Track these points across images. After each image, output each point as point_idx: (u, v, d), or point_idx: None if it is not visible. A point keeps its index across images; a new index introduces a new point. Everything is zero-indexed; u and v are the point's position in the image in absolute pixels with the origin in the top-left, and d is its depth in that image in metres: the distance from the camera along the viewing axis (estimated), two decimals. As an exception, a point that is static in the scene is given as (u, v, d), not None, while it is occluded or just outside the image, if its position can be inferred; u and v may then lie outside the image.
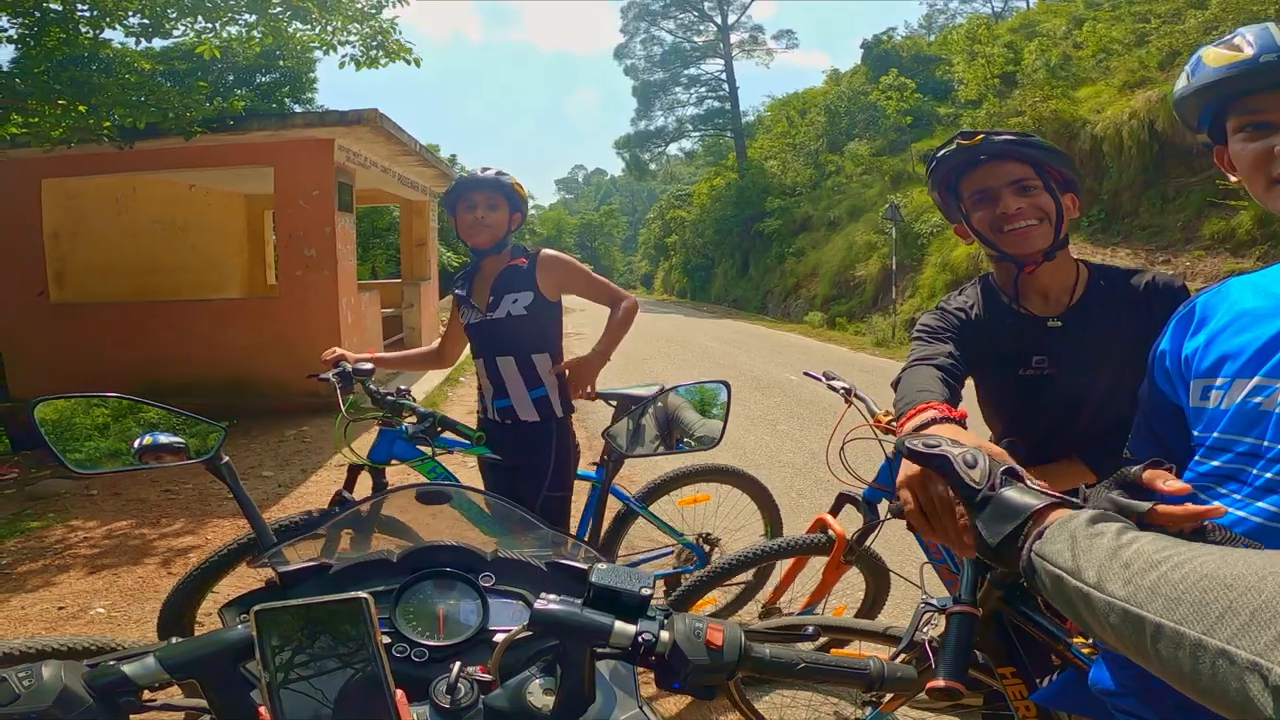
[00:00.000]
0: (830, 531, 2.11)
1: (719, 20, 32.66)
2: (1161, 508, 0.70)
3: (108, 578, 3.56)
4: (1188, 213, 10.42)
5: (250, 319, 7.64)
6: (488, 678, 0.79)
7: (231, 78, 15.33)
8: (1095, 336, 1.47)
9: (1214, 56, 0.92)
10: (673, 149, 36.34)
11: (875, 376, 8.28)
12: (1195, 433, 0.92)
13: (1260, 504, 0.82)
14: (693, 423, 2.12)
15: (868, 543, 2.12)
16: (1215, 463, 0.89)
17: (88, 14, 5.47)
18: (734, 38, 32.82)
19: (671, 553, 2.83)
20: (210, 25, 5.85)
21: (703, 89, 33.72)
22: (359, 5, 5.96)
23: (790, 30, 35.84)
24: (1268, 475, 0.83)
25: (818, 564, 2.20)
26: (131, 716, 0.70)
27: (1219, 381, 0.90)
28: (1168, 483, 0.75)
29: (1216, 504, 0.77)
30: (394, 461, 2.40)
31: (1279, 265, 0.91)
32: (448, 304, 12.41)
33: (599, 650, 0.74)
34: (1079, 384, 1.49)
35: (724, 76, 32.75)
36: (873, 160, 20.06)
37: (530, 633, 0.81)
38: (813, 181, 22.84)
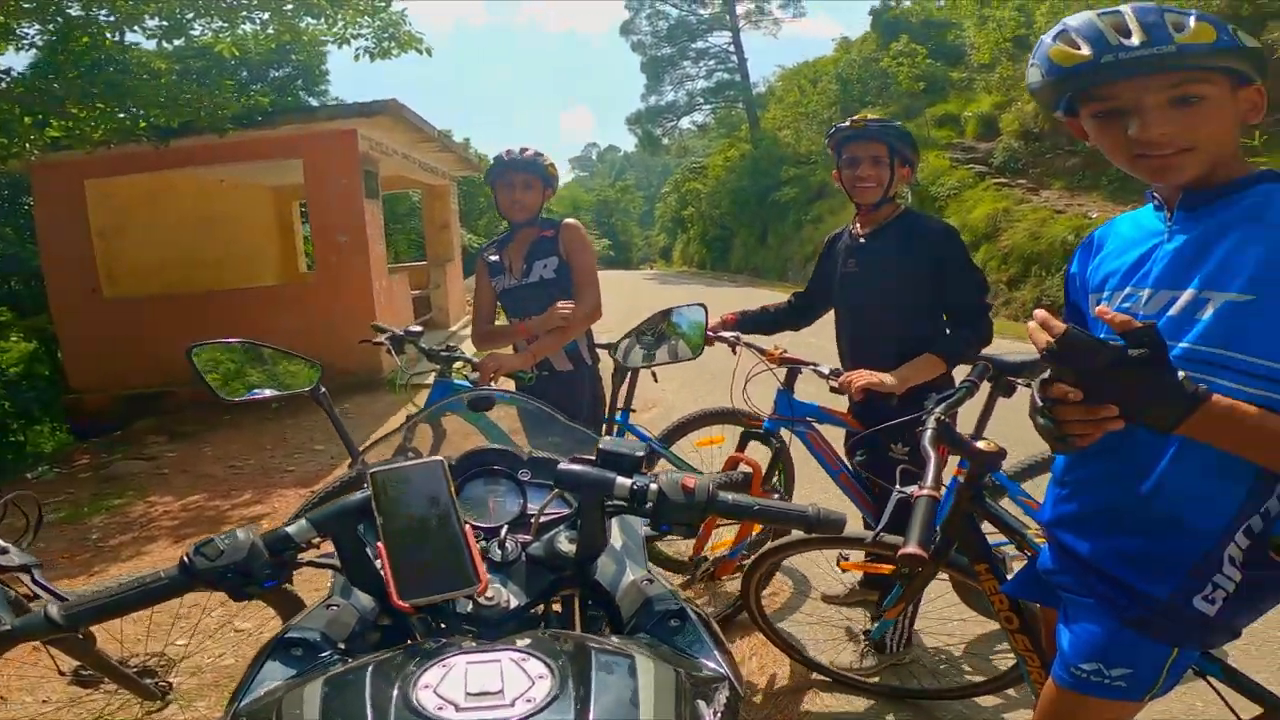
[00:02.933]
0: (745, 467, 2.29)
1: (724, -8, 32.13)
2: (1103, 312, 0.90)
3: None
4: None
5: (290, 304, 7.98)
6: (529, 538, 1.01)
7: (245, 74, 15.46)
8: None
9: (1058, 54, 0.98)
10: (685, 123, 35.82)
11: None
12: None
13: None
14: (676, 343, 2.37)
15: (777, 471, 2.32)
16: None
17: (109, 19, 5.66)
18: (740, 8, 32.04)
19: None
20: (226, 24, 6.04)
21: (711, 61, 33.10)
22: None
23: (797, -1, 34.86)
24: None
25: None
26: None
27: (1105, 294, 1.14)
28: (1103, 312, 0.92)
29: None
30: None
31: (1150, 205, 1.13)
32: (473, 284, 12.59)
33: (608, 502, 0.93)
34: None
35: (732, 48, 32.29)
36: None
37: (556, 509, 1.03)
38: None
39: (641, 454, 0.97)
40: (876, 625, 2.18)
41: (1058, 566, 1.21)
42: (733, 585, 2.73)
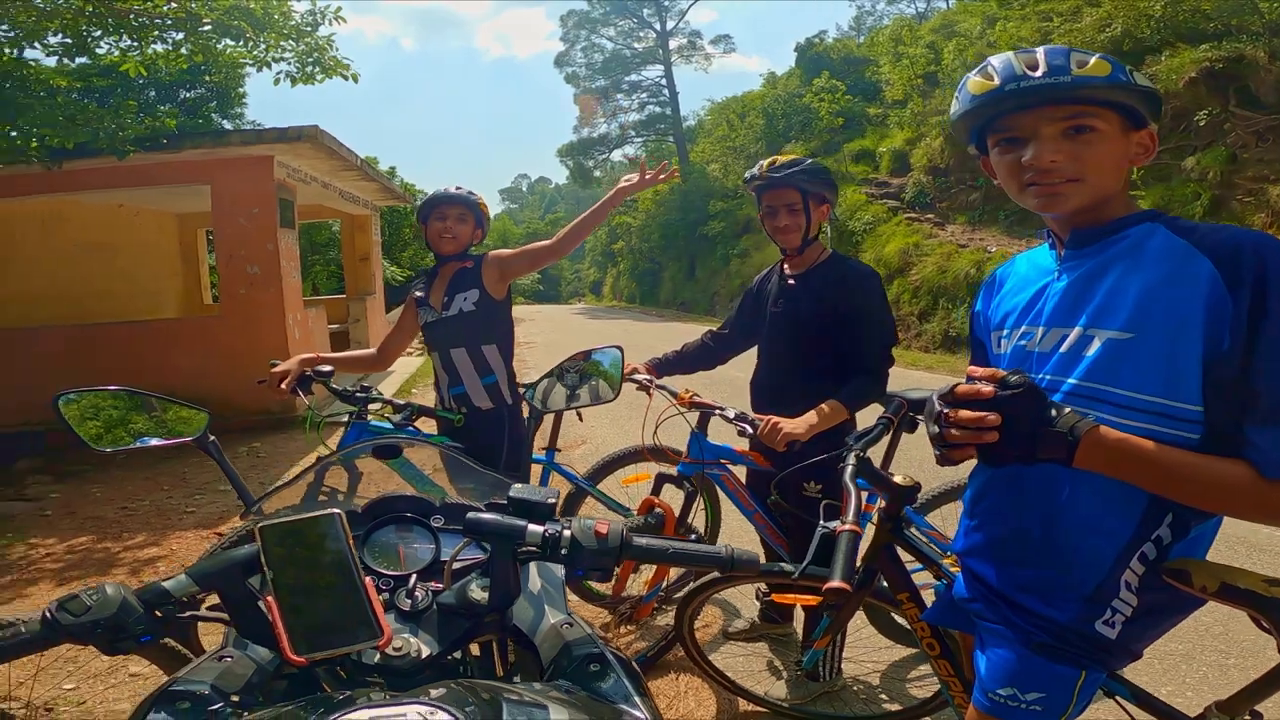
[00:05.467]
0: (658, 510, 2.27)
1: (658, 27, 32.98)
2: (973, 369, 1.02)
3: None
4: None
5: (194, 339, 7.53)
6: (440, 587, 0.99)
7: (153, 93, 14.83)
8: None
9: (974, 85, 1.07)
10: (616, 155, 36.30)
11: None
12: None
13: None
14: (596, 384, 2.34)
15: (691, 515, 2.34)
16: None
17: (8, 34, 5.38)
18: (673, 43, 33.16)
19: None
20: (135, 43, 5.81)
21: (644, 95, 33.92)
22: (294, 23, 5.94)
23: (728, 35, 36.56)
24: None
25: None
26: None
27: (1005, 332, 1.20)
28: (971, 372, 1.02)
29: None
30: None
31: (1046, 245, 1.20)
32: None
33: (520, 550, 0.92)
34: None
35: (664, 82, 33.19)
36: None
37: (471, 555, 1.02)
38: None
39: (554, 500, 0.97)
40: (807, 655, 2.20)
41: (971, 594, 1.24)
42: (664, 619, 2.73)
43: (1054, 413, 0.96)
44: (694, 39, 34.17)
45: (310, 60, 6.13)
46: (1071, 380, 1.05)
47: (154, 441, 1.85)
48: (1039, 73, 1.01)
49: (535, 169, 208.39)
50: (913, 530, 1.91)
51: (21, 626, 0.81)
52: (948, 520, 2.48)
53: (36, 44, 5.46)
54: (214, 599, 0.89)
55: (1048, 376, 1.09)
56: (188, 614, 0.88)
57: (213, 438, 1.84)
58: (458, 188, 2.64)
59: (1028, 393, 0.95)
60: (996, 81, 1.04)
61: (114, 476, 5.90)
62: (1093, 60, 1.01)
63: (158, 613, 0.84)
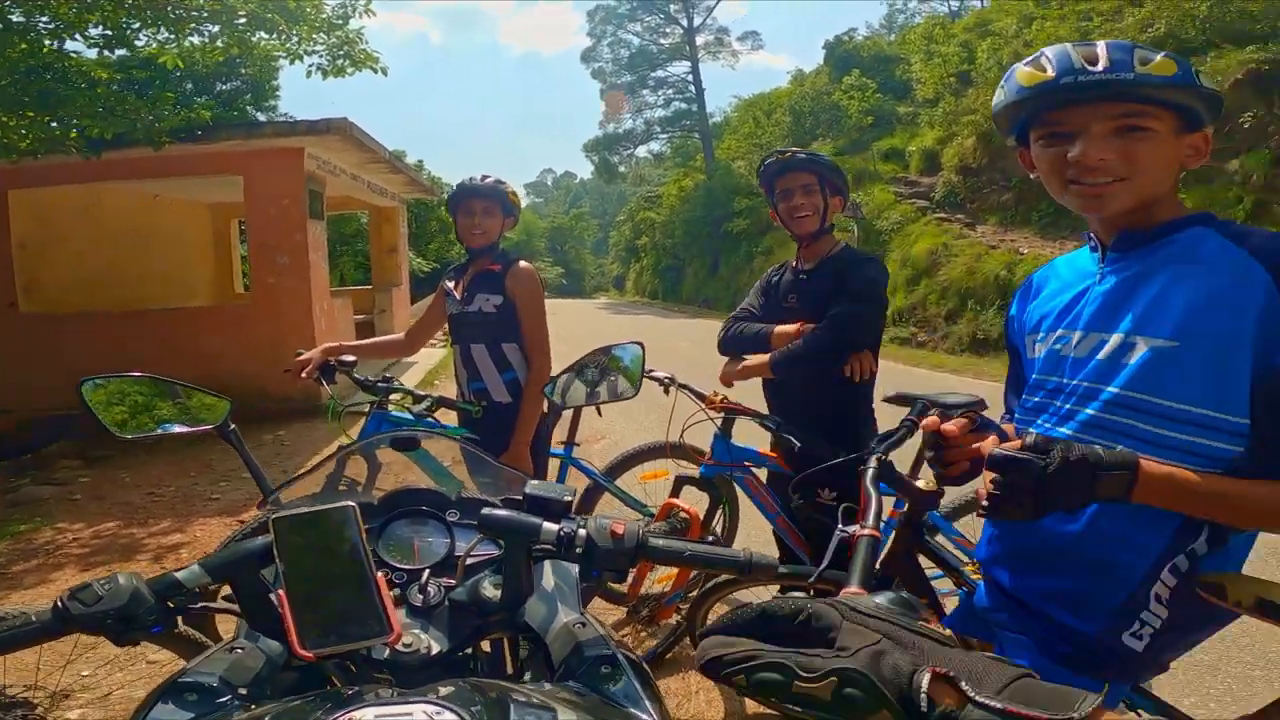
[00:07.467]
0: (682, 514, 2.27)
1: (685, 23, 32.81)
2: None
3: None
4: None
5: (225, 326, 7.68)
6: (453, 582, 0.97)
7: (190, 86, 15.01)
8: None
9: (1024, 75, 1.02)
10: (641, 151, 36.40)
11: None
12: (1029, 378, 1.19)
13: (1063, 430, 1.07)
14: (615, 380, 2.31)
15: (716, 519, 2.33)
16: (1035, 399, 1.15)
17: (49, 25, 5.47)
18: (700, 40, 33.02)
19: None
20: (172, 35, 5.85)
21: (670, 91, 33.81)
22: (325, 15, 5.98)
23: (755, 32, 36.33)
24: (1067, 406, 1.09)
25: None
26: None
27: (1039, 335, 1.17)
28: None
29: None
30: None
31: (1087, 247, 1.17)
32: (420, 308, 12.35)
33: (534, 548, 0.90)
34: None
35: (690, 78, 33.02)
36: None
37: (485, 550, 1.01)
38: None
39: (570, 498, 0.95)
40: None
41: (992, 603, 1.21)
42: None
43: (1096, 455, 0.89)
44: (721, 35, 34.06)
45: (341, 53, 6.15)
46: (1111, 389, 1.01)
47: (176, 428, 1.81)
48: (1099, 67, 0.96)
49: (561, 164, 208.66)
50: (937, 537, 1.88)
51: (32, 616, 0.81)
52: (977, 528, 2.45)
53: (78, 36, 5.55)
54: (228, 589, 0.88)
55: (1084, 383, 1.05)
56: (200, 605, 0.87)
57: (233, 426, 1.78)
58: (484, 177, 2.59)
59: (1064, 465, 0.87)
60: (1050, 73, 0.99)
61: (141, 462, 6.00)
62: (1158, 58, 0.96)
63: (170, 603, 0.83)
